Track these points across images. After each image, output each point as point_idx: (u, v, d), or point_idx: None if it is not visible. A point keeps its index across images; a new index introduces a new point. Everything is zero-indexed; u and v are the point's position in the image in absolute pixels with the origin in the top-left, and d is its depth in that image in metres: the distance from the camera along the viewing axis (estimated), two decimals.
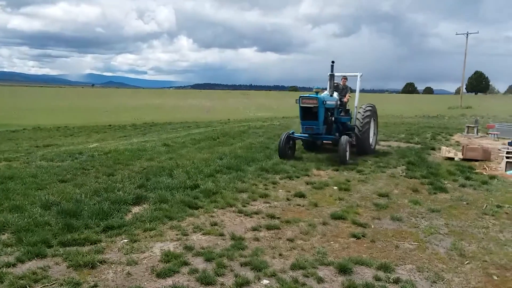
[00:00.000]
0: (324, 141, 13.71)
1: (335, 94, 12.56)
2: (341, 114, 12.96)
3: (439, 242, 5.70)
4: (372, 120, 12.88)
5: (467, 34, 56.59)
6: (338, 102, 12.57)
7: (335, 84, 12.98)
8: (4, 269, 4.36)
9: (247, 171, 9.69)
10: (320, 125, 11.30)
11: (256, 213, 6.67)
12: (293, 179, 9.23)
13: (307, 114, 11.35)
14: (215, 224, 6.08)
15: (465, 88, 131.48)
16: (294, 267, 4.67)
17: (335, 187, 8.55)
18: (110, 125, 24.40)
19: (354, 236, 5.75)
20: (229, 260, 4.82)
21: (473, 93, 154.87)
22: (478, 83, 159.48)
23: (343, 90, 13.32)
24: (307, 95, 11.35)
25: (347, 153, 11.03)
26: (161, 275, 4.38)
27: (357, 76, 13.53)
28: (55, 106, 47.98)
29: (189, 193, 7.52)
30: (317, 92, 11.42)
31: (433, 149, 14.28)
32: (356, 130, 12.35)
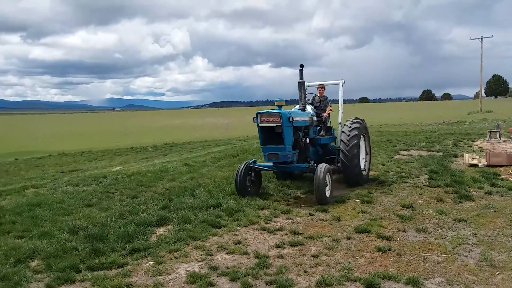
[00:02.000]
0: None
1: (309, 108, 9.98)
2: (321, 133, 10.29)
3: (468, 253, 5.58)
4: (362, 139, 10.23)
5: (482, 39, 55.85)
6: (314, 118, 9.90)
7: (311, 97, 10.74)
8: None
9: (268, 187, 9.71)
10: (287, 150, 8.43)
11: (279, 229, 6.67)
12: (313, 194, 9.17)
13: (269, 136, 8.52)
14: (239, 242, 6.09)
15: (484, 92, 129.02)
16: (320, 284, 4.63)
17: (357, 200, 8.48)
18: (132, 148, 24.81)
19: (379, 249, 5.68)
20: (254, 279, 4.82)
21: (493, 97, 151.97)
22: (497, 86, 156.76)
23: (321, 102, 10.68)
24: (266, 110, 8.51)
25: (327, 188, 8.31)
26: None
27: (338, 84, 10.72)
28: (78, 132, 49.09)
29: (211, 212, 7.57)
30: (280, 106, 8.57)
31: (456, 156, 14.03)
32: (342, 147, 9.58)
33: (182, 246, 5.90)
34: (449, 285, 4.63)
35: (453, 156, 13.98)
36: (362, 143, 10.24)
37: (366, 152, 10.61)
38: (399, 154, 15.05)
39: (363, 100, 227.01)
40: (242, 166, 8.86)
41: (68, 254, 5.55)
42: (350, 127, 9.93)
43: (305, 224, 6.98)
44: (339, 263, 5.26)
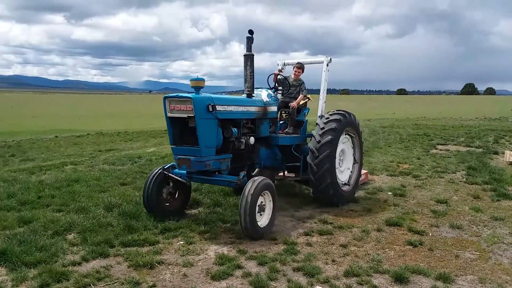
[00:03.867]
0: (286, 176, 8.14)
1: (264, 95, 7.23)
2: (285, 130, 7.76)
3: (502, 252, 5.40)
4: (344, 143, 7.71)
5: None
6: (271, 109, 7.21)
7: (282, 78, 8.01)
8: (70, 267, 4.65)
9: None
10: (203, 155, 5.78)
11: (308, 217, 6.66)
12: None
13: (181, 132, 6.02)
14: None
15: None
16: (347, 274, 4.61)
17: (390, 193, 8.33)
18: (166, 130, 25.21)
19: (410, 243, 5.58)
20: (282, 264, 4.85)
21: None
22: None
23: (293, 87, 7.94)
24: (176, 94, 5.88)
25: (264, 216, 5.84)
26: (216, 277, 4.48)
27: (322, 63, 8.07)
28: (115, 112, 50.37)
29: (238, 196, 7.61)
30: (197, 88, 5.78)
31: (496, 153, 13.49)
32: (309, 158, 7.05)
33: (212, 229, 5.99)
34: (481, 283, 4.51)
35: (493, 153, 13.46)
36: (345, 149, 7.78)
37: (354, 160, 8.07)
38: (436, 149, 14.64)
39: (401, 91, 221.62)
40: (154, 174, 6.42)
41: (103, 229, 5.75)
42: (322, 127, 7.13)
43: (335, 214, 6.94)
44: (368, 254, 5.21)
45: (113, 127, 28.06)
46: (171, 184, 6.48)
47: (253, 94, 6.94)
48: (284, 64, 8.80)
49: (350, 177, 7.94)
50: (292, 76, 8.04)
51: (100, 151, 14.46)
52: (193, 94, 5.78)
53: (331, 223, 6.42)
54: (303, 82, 8.01)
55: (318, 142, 7.00)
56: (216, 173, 6.25)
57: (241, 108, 6.51)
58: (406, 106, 56.40)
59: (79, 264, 4.76)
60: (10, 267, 4.57)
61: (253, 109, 6.78)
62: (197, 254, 5.14)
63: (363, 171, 8.77)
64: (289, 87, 7.92)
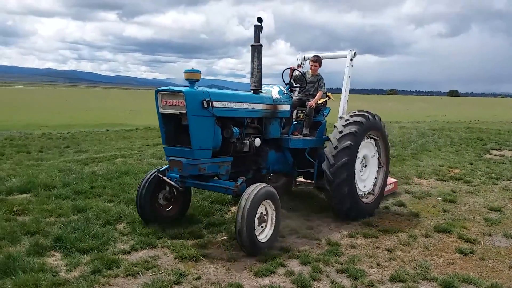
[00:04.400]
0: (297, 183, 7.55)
1: (274, 91, 6.54)
2: (300, 132, 6.92)
3: None
4: (366, 148, 6.86)
5: None
6: (283, 107, 6.51)
7: (299, 74, 7.27)
8: (120, 255, 4.85)
9: None
10: (196, 157, 5.17)
11: (353, 220, 6.55)
12: None
13: (174, 130, 5.47)
14: (311, 228, 6.10)
15: None
16: (393, 279, 4.50)
17: (439, 198, 8.04)
18: None
19: (460, 251, 5.36)
20: (325, 265, 4.81)
21: None
22: None
23: (310, 84, 7.15)
24: (168, 87, 5.32)
25: (263, 229, 5.19)
26: (259, 274, 4.52)
27: (345, 57, 7.34)
28: None
29: (285, 196, 7.63)
30: (192, 81, 5.17)
31: None
32: (324, 165, 6.32)
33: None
34: None
35: None
36: (368, 154, 6.91)
37: (380, 164, 7.19)
38: (490, 154, 13.98)
39: (453, 93, 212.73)
40: (148, 177, 5.84)
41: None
42: (340, 131, 6.36)
43: (380, 217, 6.80)
44: (415, 260, 5.06)
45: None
46: (167, 188, 5.76)
47: (261, 90, 6.24)
48: (304, 59, 8.04)
49: (374, 184, 7.07)
50: (309, 71, 7.25)
51: (148, 145, 14.92)
52: (186, 88, 5.14)
53: (376, 226, 6.29)
54: (321, 78, 7.16)
55: (335, 147, 6.22)
56: (215, 178, 5.58)
57: (244, 106, 5.80)
58: (458, 108, 54.13)
59: (129, 253, 4.95)
60: (65, 253, 4.83)
61: (259, 107, 6.06)
62: (240, 250, 5.20)
63: (391, 180, 8.18)
64: (305, 83, 7.13)
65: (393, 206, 7.44)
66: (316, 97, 6.96)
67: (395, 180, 8.57)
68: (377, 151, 7.12)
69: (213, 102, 5.19)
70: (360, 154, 6.61)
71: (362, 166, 6.83)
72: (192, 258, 4.83)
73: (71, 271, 4.42)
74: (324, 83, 7.15)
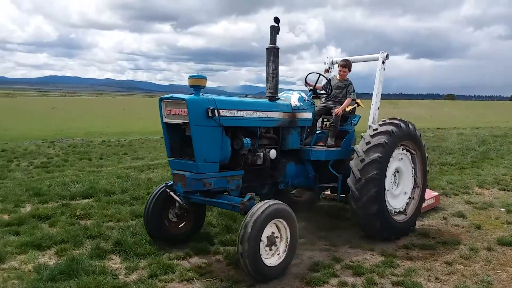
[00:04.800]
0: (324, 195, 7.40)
1: (294, 98, 6.04)
2: (328, 141, 6.32)
3: None
4: (397, 157, 6.12)
5: None
6: (303, 115, 6.00)
7: (327, 79, 6.85)
8: (175, 261, 4.99)
9: None
10: (201, 171, 4.76)
11: (385, 240, 6.29)
12: (450, 196, 8.52)
13: (179, 141, 5.11)
14: (364, 238, 5.96)
15: None
16: None
17: (502, 209, 7.59)
18: None
19: None
20: (380, 277, 4.68)
21: None
22: None
23: (338, 90, 6.65)
24: (171, 95, 4.98)
25: (272, 252, 4.60)
26: (311, 283, 4.48)
27: (376, 60, 6.79)
28: None
29: (336, 204, 7.53)
30: (197, 88, 4.79)
31: None
32: (350, 181, 5.73)
33: (306, 235, 5.99)
34: None
35: None
36: (402, 168, 6.22)
37: (415, 183, 6.46)
38: None
39: None
40: (156, 192, 5.49)
41: (204, 228, 6.07)
42: (368, 141, 5.78)
43: (438, 228, 6.53)
44: (477, 274, 4.81)
45: None
46: (177, 204, 5.28)
47: (277, 97, 5.77)
48: (332, 63, 7.48)
49: (407, 204, 6.34)
50: (337, 76, 6.75)
51: None
52: (190, 95, 4.79)
53: (433, 237, 6.05)
54: (350, 83, 6.61)
55: (362, 160, 5.61)
56: (225, 193, 5.17)
57: (257, 114, 5.33)
58: None
59: (183, 258, 5.08)
60: (123, 256, 5.04)
61: (275, 115, 5.59)
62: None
63: (433, 193, 7.60)
64: (331, 89, 6.58)
65: (452, 217, 7.11)
66: (344, 104, 6.42)
67: (436, 193, 7.78)
68: (413, 167, 6.39)
69: (220, 111, 4.79)
70: (391, 167, 5.98)
71: (394, 180, 6.18)
72: None
73: (129, 274, 4.60)
74: (353, 89, 6.58)
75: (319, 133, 6.58)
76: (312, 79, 6.67)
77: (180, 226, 5.61)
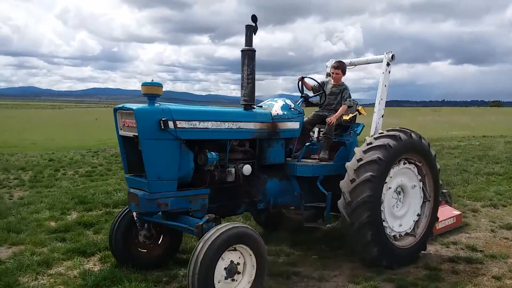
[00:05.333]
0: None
1: (278, 105, 5.35)
2: (320, 155, 5.61)
3: None
4: (398, 173, 5.39)
5: None
6: (288, 125, 5.31)
7: (316, 84, 5.98)
8: None
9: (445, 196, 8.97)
10: (155, 190, 4.24)
11: (454, 243, 6.10)
12: (498, 208, 8.16)
13: (134, 156, 4.55)
14: None
15: None
16: None
17: None
18: None
19: None
20: None
21: None
22: None
23: (332, 96, 5.92)
24: (123, 105, 4.49)
25: (234, 280, 4.00)
26: None
27: (381, 62, 6.05)
28: None
29: None
30: (152, 96, 4.27)
31: None
32: (340, 204, 5.04)
33: (345, 244, 5.86)
34: None
35: None
36: (406, 184, 5.48)
37: (425, 197, 5.72)
38: None
39: None
40: (122, 212, 5.03)
41: None
42: (359, 158, 5.05)
43: (486, 241, 6.24)
44: None
45: None
46: (145, 225, 4.79)
47: (253, 106, 5.10)
48: (327, 67, 6.76)
49: (416, 223, 5.62)
50: (331, 79, 5.99)
51: None
52: (140, 105, 4.26)
53: (481, 250, 5.79)
54: (345, 88, 5.85)
55: (352, 180, 4.92)
56: (190, 214, 4.50)
57: (226, 125, 4.67)
58: None
59: None
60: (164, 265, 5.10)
61: (250, 126, 4.91)
62: (331, 269, 5.10)
63: (454, 212, 6.84)
64: (325, 96, 5.86)
65: (501, 229, 6.78)
66: (338, 112, 5.66)
67: (458, 212, 6.94)
68: (420, 180, 5.62)
69: (177, 122, 4.26)
70: (392, 185, 5.29)
71: (397, 199, 5.46)
72: (283, 275, 4.83)
73: (170, 282, 4.66)
74: (349, 94, 5.84)
75: (308, 144, 5.72)
76: (306, 84, 6.00)
77: (151, 249, 5.04)
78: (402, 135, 5.24)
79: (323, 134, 5.72)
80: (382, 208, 5.11)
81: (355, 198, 4.86)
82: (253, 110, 5.07)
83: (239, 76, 5.03)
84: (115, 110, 4.50)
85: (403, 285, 4.62)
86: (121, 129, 4.48)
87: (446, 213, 6.61)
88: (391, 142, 5.10)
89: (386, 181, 5.12)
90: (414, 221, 5.59)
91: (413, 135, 5.37)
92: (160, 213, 4.50)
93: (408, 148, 5.33)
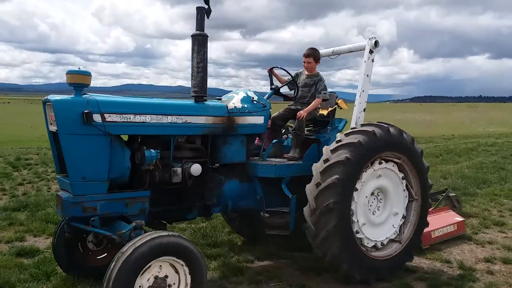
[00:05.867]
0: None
1: (237, 98, 4.78)
2: (290, 153, 5.08)
3: None
4: (374, 175, 4.69)
5: None
6: (248, 120, 4.71)
7: (295, 74, 5.42)
8: (244, 263, 5.07)
9: (477, 194, 8.73)
10: (79, 192, 3.72)
11: (490, 242, 5.92)
12: None
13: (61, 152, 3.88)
14: (440, 249, 5.67)
15: None
16: None
17: None
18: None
19: None
20: None
21: None
22: None
23: (306, 88, 5.33)
24: (47, 98, 3.88)
25: None
26: None
27: (363, 50, 5.38)
28: None
29: None
30: (78, 87, 3.77)
31: None
32: (305, 211, 4.45)
33: None
34: None
35: None
36: (386, 186, 4.78)
37: (411, 196, 4.99)
38: None
39: None
40: (61, 224, 4.40)
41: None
42: (326, 158, 4.44)
43: None
44: None
45: None
46: (86, 236, 4.42)
47: (205, 98, 4.49)
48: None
49: (401, 228, 4.91)
50: (305, 71, 5.37)
51: None
52: (63, 96, 3.76)
53: None
54: (320, 79, 5.21)
55: (317, 184, 4.31)
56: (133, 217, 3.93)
57: (169, 119, 4.13)
58: None
59: (252, 262, 5.16)
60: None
61: (200, 120, 4.34)
62: None
63: (456, 219, 6.22)
64: (296, 88, 5.30)
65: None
66: (310, 105, 5.04)
67: (460, 219, 6.29)
68: (403, 178, 4.90)
69: (105, 115, 3.75)
70: (366, 189, 4.62)
71: (376, 204, 4.79)
72: (313, 271, 4.83)
73: None
74: (324, 86, 5.18)
75: (275, 142, 5.13)
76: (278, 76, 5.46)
77: (100, 256, 4.51)
78: (377, 131, 4.54)
79: (292, 130, 5.14)
80: (354, 215, 4.49)
81: (320, 205, 4.24)
82: (204, 102, 4.46)
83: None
84: (44, 102, 3.93)
85: (436, 284, 4.53)
86: (50, 124, 3.89)
87: (446, 220, 6.05)
88: (363, 139, 4.42)
89: (360, 184, 4.50)
90: (399, 225, 4.89)
91: (391, 130, 4.66)
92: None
93: (385, 145, 4.62)
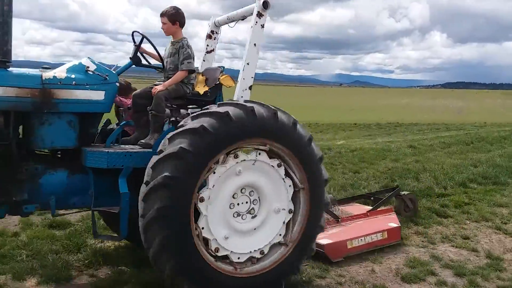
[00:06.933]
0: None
1: (63, 68, 3.81)
2: (144, 140, 3.95)
3: None
4: (228, 171, 3.58)
5: None
6: (77, 94, 3.69)
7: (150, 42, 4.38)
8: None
9: (509, 183, 8.50)
10: None
11: None
12: None
13: None
14: (467, 237, 5.58)
15: None
16: None
17: None
18: (355, 124, 25.13)
19: None
20: (484, 280, 4.36)
21: None
22: None
23: (170, 57, 4.30)
24: None
25: None
26: (406, 279, 4.32)
27: (250, 15, 4.42)
28: (307, 104, 52.68)
29: (436, 199, 7.12)
30: None
31: None
32: (140, 218, 3.40)
33: (402, 229, 5.75)
34: None
35: None
36: (257, 184, 3.76)
37: (295, 186, 3.89)
38: None
39: None
40: None
41: None
42: (160, 149, 3.44)
43: None
44: None
45: (304, 118, 29.37)
46: None
47: (9, 63, 3.51)
48: (216, 25, 5.01)
49: (288, 226, 3.90)
50: (171, 38, 4.32)
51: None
52: None
53: None
54: (183, 46, 4.15)
55: (146, 183, 3.38)
56: None
57: None
58: None
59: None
60: None
61: None
62: (385, 252, 5.02)
63: (391, 225, 5.23)
64: (160, 58, 4.37)
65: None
66: (170, 79, 4.07)
67: (395, 225, 5.28)
68: (279, 165, 3.80)
69: None
70: (224, 189, 3.61)
71: (249, 206, 3.77)
72: None
73: None
74: (188, 54, 4.12)
75: (124, 124, 4.27)
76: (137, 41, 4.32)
77: None
78: (234, 112, 3.47)
79: (149, 110, 4.01)
80: (207, 230, 3.50)
81: (147, 210, 3.31)
82: (7, 69, 3.50)
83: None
84: None
85: (462, 272, 4.47)
86: None
87: (374, 226, 5.15)
88: (211, 123, 3.38)
89: (212, 183, 3.52)
90: (284, 222, 3.86)
91: (257, 110, 3.57)
92: None
93: (245, 131, 3.54)
